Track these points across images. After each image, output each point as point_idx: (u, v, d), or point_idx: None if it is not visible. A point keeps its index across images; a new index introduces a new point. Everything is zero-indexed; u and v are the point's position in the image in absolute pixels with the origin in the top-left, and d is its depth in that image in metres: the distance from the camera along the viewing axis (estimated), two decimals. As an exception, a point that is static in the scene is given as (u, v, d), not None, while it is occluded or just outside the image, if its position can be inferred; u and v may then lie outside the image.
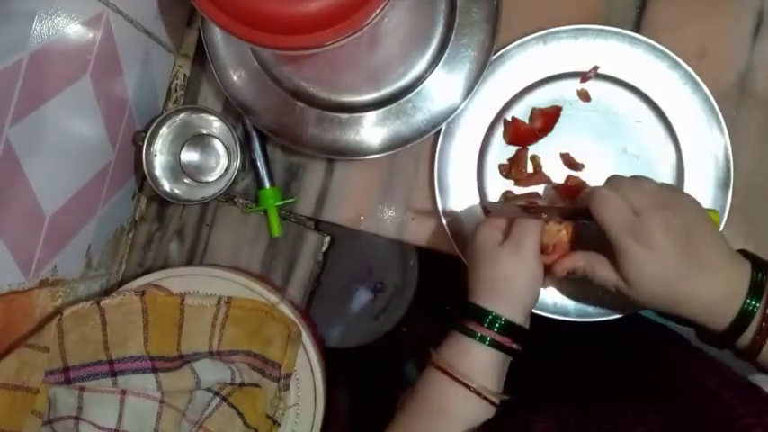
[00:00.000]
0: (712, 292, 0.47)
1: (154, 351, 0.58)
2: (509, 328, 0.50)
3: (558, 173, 0.64)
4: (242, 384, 0.61)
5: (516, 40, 0.63)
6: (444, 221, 0.64)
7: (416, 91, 0.62)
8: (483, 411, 0.49)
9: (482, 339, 0.50)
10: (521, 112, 0.65)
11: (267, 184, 0.68)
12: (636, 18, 0.65)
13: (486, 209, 0.57)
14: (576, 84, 0.64)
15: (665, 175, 0.63)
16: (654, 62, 0.62)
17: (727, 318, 0.47)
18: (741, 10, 0.65)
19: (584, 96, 0.64)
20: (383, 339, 0.75)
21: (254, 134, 0.68)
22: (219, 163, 0.70)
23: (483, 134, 0.65)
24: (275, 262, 0.70)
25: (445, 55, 0.62)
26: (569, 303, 0.63)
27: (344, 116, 0.63)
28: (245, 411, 0.60)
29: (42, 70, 0.46)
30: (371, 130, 0.63)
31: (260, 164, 0.68)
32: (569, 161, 0.64)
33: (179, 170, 0.69)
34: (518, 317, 0.51)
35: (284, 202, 0.68)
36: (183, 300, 0.60)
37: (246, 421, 0.60)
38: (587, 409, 0.46)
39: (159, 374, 0.58)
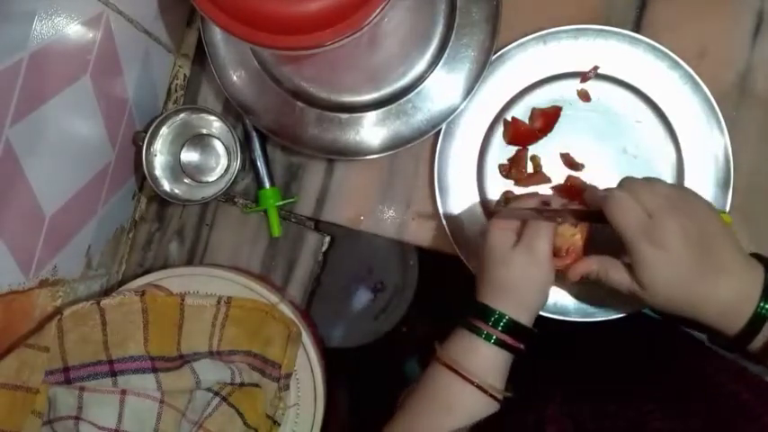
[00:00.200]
0: (726, 296, 0.47)
1: (154, 351, 0.58)
2: (514, 328, 0.51)
3: (558, 173, 0.64)
4: (242, 384, 0.61)
5: (516, 40, 0.63)
6: (444, 221, 0.64)
7: (416, 91, 0.62)
8: (486, 407, 0.49)
9: (487, 337, 0.50)
10: (521, 112, 0.65)
11: (267, 184, 0.68)
12: (636, 18, 0.65)
13: (497, 212, 0.57)
14: (575, 84, 0.64)
15: (665, 175, 0.63)
16: (654, 62, 0.62)
17: (740, 321, 0.46)
18: (741, 10, 0.65)
19: (584, 96, 0.64)
20: (383, 339, 0.75)
21: (254, 134, 0.68)
22: (219, 163, 0.70)
23: (483, 134, 0.65)
24: (275, 262, 0.70)
25: (445, 55, 0.62)
26: (569, 303, 0.63)
27: (344, 116, 0.63)
28: (245, 411, 0.60)
29: (42, 70, 0.46)
30: (371, 130, 0.63)
31: (260, 164, 0.68)
32: (569, 161, 0.64)
33: (179, 170, 0.69)
34: (524, 317, 0.51)
35: (284, 202, 0.68)
36: (183, 300, 0.60)
37: (246, 421, 0.60)
38: (602, 406, 0.46)
39: (159, 374, 0.58)
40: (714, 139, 0.62)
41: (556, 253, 0.53)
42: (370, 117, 0.63)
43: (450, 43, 0.62)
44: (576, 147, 0.64)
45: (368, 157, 0.63)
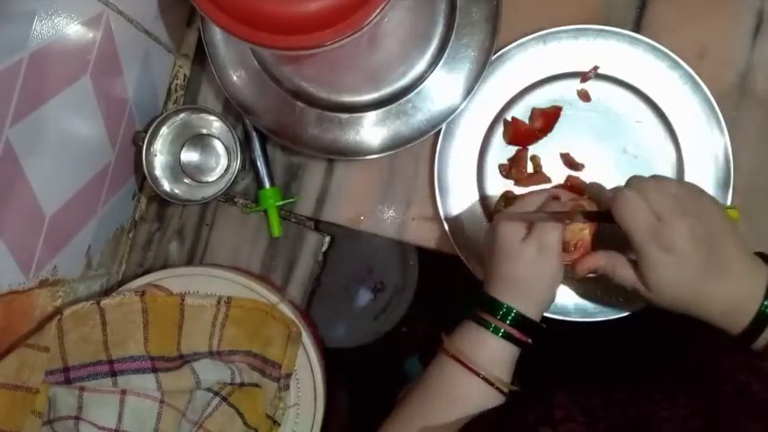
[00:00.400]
0: (731, 297, 0.47)
1: (154, 351, 0.58)
2: (522, 322, 0.51)
3: (558, 173, 0.64)
4: (242, 384, 0.61)
5: (516, 40, 0.63)
6: (444, 221, 0.64)
7: (416, 91, 0.62)
8: (492, 400, 0.50)
9: (495, 330, 0.50)
10: (521, 112, 0.65)
11: (267, 184, 0.68)
12: (636, 18, 0.65)
13: (497, 212, 0.57)
14: (575, 84, 0.64)
15: (666, 175, 0.63)
16: (654, 62, 0.62)
17: (744, 320, 0.47)
18: (741, 10, 0.65)
19: (584, 96, 0.64)
20: (383, 339, 0.75)
21: (254, 134, 0.68)
22: (219, 163, 0.70)
23: (483, 134, 0.65)
24: (275, 262, 0.70)
25: (445, 55, 0.62)
26: (569, 303, 0.63)
27: (344, 116, 0.63)
28: (245, 411, 0.60)
29: (42, 70, 0.46)
30: (371, 130, 0.63)
31: (260, 164, 0.68)
32: (569, 161, 0.64)
33: (179, 170, 0.69)
34: (532, 312, 0.51)
35: (284, 202, 0.68)
36: (183, 300, 0.60)
37: (246, 421, 0.60)
38: (611, 396, 0.46)
39: (159, 374, 0.58)
40: (714, 139, 0.62)
41: (564, 248, 0.53)
42: (370, 117, 0.63)
43: (450, 43, 0.62)
44: (576, 147, 0.64)
45: (368, 157, 0.63)
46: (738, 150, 0.62)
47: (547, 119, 0.64)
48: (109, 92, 0.58)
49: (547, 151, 0.64)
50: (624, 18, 0.65)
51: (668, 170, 0.63)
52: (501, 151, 0.65)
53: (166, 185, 0.67)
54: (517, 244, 0.52)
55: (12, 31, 0.42)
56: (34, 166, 0.49)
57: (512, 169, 0.64)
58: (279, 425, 0.62)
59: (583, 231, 0.53)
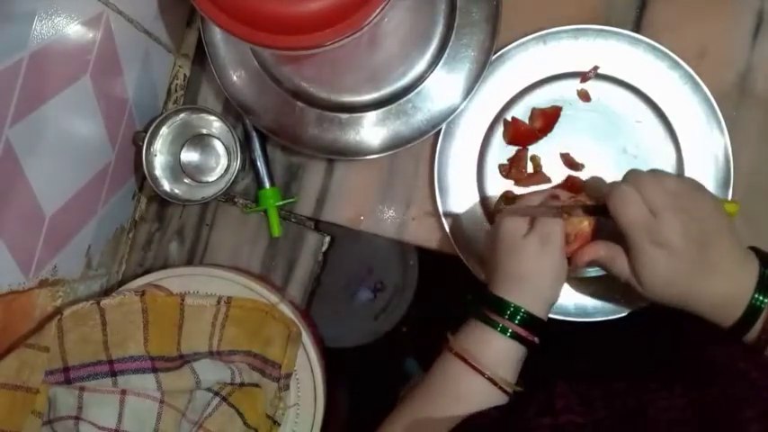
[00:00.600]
0: (721, 292, 0.48)
1: (154, 351, 0.58)
2: (530, 321, 0.51)
3: (558, 173, 0.64)
4: (242, 384, 0.61)
5: (516, 40, 0.63)
6: (444, 222, 0.64)
7: (416, 91, 0.62)
8: (495, 399, 0.49)
9: (503, 330, 0.50)
10: (521, 112, 0.65)
11: (267, 184, 0.68)
12: (636, 18, 0.65)
13: (498, 211, 0.57)
14: (575, 84, 0.64)
15: (664, 170, 0.63)
16: (654, 62, 0.62)
17: (735, 314, 0.47)
18: (741, 10, 0.65)
19: (584, 96, 0.64)
20: (383, 339, 0.75)
21: (254, 134, 0.68)
22: (219, 163, 0.70)
23: (483, 134, 0.65)
24: (275, 262, 0.70)
25: (445, 55, 0.62)
26: (569, 303, 0.63)
27: (344, 116, 0.63)
28: (245, 411, 0.60)
29: (42, 70, 0.46)
30: (371, 130, 0.63)
31: (260, 164, 0.68)
32: (569, 161, 0.64)
33: (179, 170, 0.69)
34: (539, 310, 0.51)
35: (284, 202, 0.68)
36: (183, 300, 0.60)
37: (246, 421, 0.60)
38: (610, 386, 0.46)
39: (159, 374, 0.58)
40: (714, 139, 0.62)
41: (565, 240, 0.53)
42: (370, 117, 0.63)
43: (450, 43, 0.62)
44: (576, 147, 0.64)
45: (368, 157, 0.63)
46: (738, 150, 0.62)
47: (547, 119, 0.64)
48: (109, 92, 0.58)
49: (547, 151, 0.64)
50: (624, 18, 0.65)
51: (668, 170, 0.63)
52: (501, 151, 0.65)
53: (166, 185, 0.67)
54: (520, 239, 0.52)
55: (12, 31, 0.42)
56: (34, 166, 0.49)
57: (512, 169, 0.64)
58: (279, 425, 0.62)
59: (582, 224, 0.53)
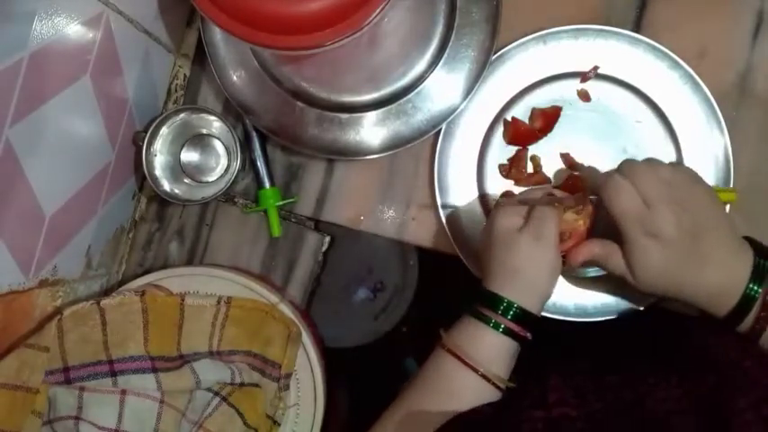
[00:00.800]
0: (716, 282, 0.48)
1: (154, 351, 0.58)
2: (523, 317, 0.50)
3: (558, 173, 0.64)
4: (242, 384, 0.61)
5: (516, 40, 0.63)
6: (444, 221, 0.64)
7: (416, 91, 0.62)
8: (489, 396, 0.49)
9: (496, 326, 0.50)
10: (521, 112, 0.65)
11: (267, 184, 0.68)
12: (636, 18, 0.65)
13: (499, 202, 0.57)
14: (575, 84, 0.64)
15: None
16: (654, 62, 0.62)
17: (729, 303, 0.48)
18: (741, 10, 0.65)
19: (584, 96, 0.64)
20: (383, 339, 0.75)
21: (254, 134, 0.68)
22: (219, 163, 0.70)
23: (483, 134, 0.65)
24: (275, 262, 0.70)
25: (445, 55, 0.62)
26: (569, 303, 0.63)
27: (344, 116, 0.63)
28: (245, 411, 0.60)
29: (42, 70, 0.46)
30: (371, 130, 0.63)
31: (260, 164, 0.68)
32: (569, 161, 0.64)
33: (179, 170, 0.69)
34: (533, 306, 0.51)
35: (284, 202, 0.68)
36: (183, 300, 0.60)
37: (246, 421, 0.60)
38: (604, 379, 0.46)
39: (159, 374, 0.58)
40: (714, 139, 0.62)
41: (559, 238, 0.53)
42: (370, 117, 0.63)
43: (450, 43, 0.62)
44: (576, 147, 0.64)
45: (368, 157, 0.64)
46: (738, 150, 0.62)
47: (547, 119, 0.64)
48: (109, 92, 0.58)
49: (547, 151, 0.64)
50: (624, 18, 0.65)
51: (668, 170, 0.63)
52: (501, 151, 0.65)
53: (166, 185, 0.67)
54: (514, 233, 0.52)
55: (12, 31, 0.42)
56: (34, 166, 0.49)
57: (512, 169, 0.64)
58: (279, 425, 0.62)
59: (577, 222, 0.53)
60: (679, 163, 0.62)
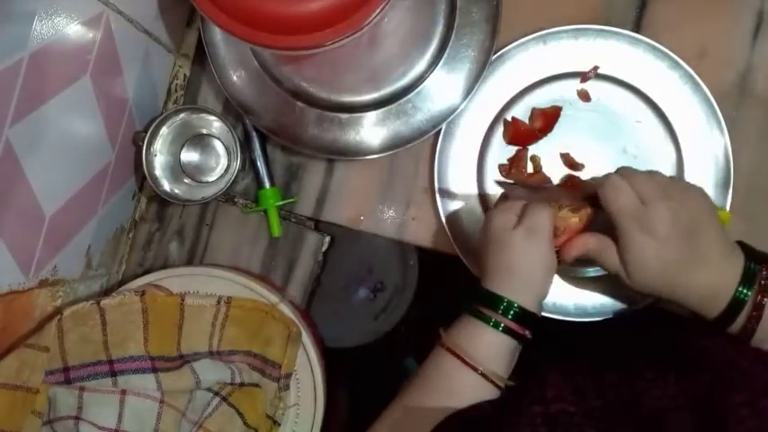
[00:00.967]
0: (707, 283, 0.48)
1: (154, 351, 0.58)
2: (522, 316, 0.51)
3: (557, 173, 0.64)
4: (242, 384, 0.61)
5: (516, 40, 0.63)
6: (444, 221, 0.64)
7: (416, 91, 0.62)
8: (488, 394, 0.50)
9: (495, 325, 0.50)
10: (521, 112, 0.65)
11: (267, 184, 0.68)
12: (636, 18, 0.65)
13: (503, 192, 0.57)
14: (575, 84, 0.64)
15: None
16: (654, 62, 0.62)
17: (719, 305, 0.48)
18: (741, 10, 0.65)
19: (584, 96, 0.64)
20: (383, 339, 0.75)
21: (254, 134, 0.68)
22: (219, 163, 0.70)
23: (483, 134, 0.65)
24: (275, 262, 0.70)
25: (445, 55, 0.62)
26: (569, 303, 0.63)
27: (344, 116, 0.63)
28: (245, 411, 0.60)
29: (42, 70, 0.46)
30: (371, 130, 0.63)
31: (260, 164, 0.68)
32: (569, 161, 0.64)
33: (179, 170, 0.69)
34: (531, 303, 0.51)
35: (284, 202, 0.68)
36: (183, 300, 0.60)
37: (246, 421, 0.60)
38: (603, 378, 0.46)
39: (159, 374, 0.58)
40: (714, 139, 0.62)
41: (554, 233, 0.53)
42: (370, 117, 0.63)
43: (450, 43, 0.62)
44: (576, 147, 0.64)
45: (368, 157, 0.64)
46: (738, 150, 0.62)
47: (547, 119, 0.64)
48: (109, 92, 0.58)
49: (547, 151, 0.64)
50: (624, 18, 0.65)
51: (668, 170, 0.63)
52: (501, 151, 0.65)
53: (166, 185, 0.67)
54: (508, 232, 0.52)
55: (12, 31, 0.42)
56: (34, 166, 0.49)
57: (512, 169, 0.64)
58: (279, 425, 0.62)
59: (572, 218, 0.53)
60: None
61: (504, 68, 0.64)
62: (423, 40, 0.62)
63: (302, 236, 0.70)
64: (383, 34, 0.61)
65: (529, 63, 0.64)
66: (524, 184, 0.55)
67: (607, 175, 0.51)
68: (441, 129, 0.63)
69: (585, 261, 0.54)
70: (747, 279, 0.48)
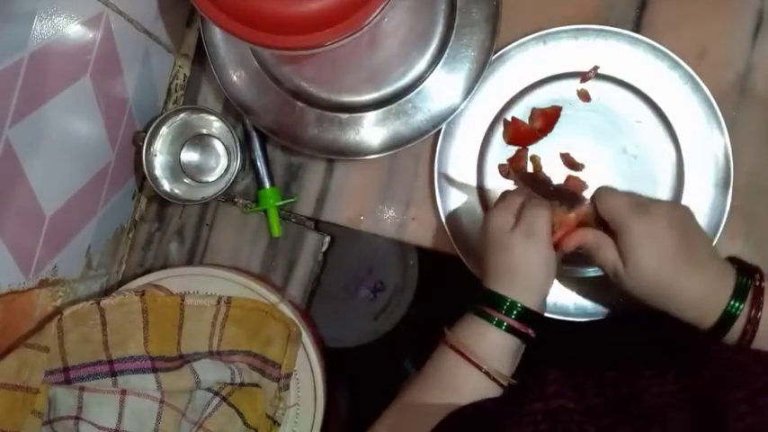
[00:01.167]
0: (699, 289, 0.48)
1: (154, 351, 0.58)
2: (525, 315, 0.51)
3: (558, 173, 0.64)
4: (242, 384, 0.61)
5: (516, 40, 0.63)
6: (444, 221, 0.64)
7: (416, 91, 0.62)
8: (491, 392, 0.50)
9: (498, 324, 0.50)
10: (521, 112, 0.65)
11: (267, 184, 0.68)
12: (636, 18, 0.65)
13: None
14: (576, 84, 0.64)
15: (665, 175, 0.63)
16: (654, 62, 0.62)
17: (712, 316, 0.48)
18: (741, 10, 0.65)
19: (584, 96, 0.64)
20: (383, 339, 0.75)
21: (254, 134, 0.68)
22: (219, 163, 0.70)
23: (483, 134, 0.65)
24: (275, 262, 0.70)
25: (445, 55, 0.62)
26: (569, 303, 0.63)
27: (344, 116, 0.63)
28: (245, 411, 0.60)
29: (42, 70, 0.46)
30: (371, 130, 0.63)
31: (260, 164, 0.68)
32: (569, 161, 0.64)
33: (179, 170, 0.69)
34: (534, 302, 0.51)
35: (284, 202, 0.68)
36: (183, 300, 0.60)
37: (246, 421, 0.60)
38: (602, 376, 0.46)
39: (159, 374, 0.58)
40: (714, 139, 0.62)
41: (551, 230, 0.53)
42: (370, 117, 0.63)
43: (450, 43, 0.62)
44: (576, 147, 0.64)
45: (368, 157, 0.64)
46: (738, 150, 0.62)
47: (547, 119, 0.64)
48: (109, 92, 0.58)
49: (547, 151, 0.64)
50: (624, 18, 0.65)
51: (668, 170, 0.63)
52: (501, 151, 0.65)
53: (166, 185, 0.67)
54: (506, 233, 0.52)
55: (12, 31, 0.42)
56: (34, 166, 0.49)
57: (511, 169, 0.64)
58: (279, 425, 0.62)
59: (568, 214, 0.53)
60: None
61: (504, 68, 0.64)
62: (423, 40, 0.62)
63: (302, 236, 0.70)
64: (383, 34, 0.61)
65: (529, 63, 0.64)
66: (534, 181, 0.55)
67: (599, 188, 0.52)
68: (441, 129, 0.63)
69: (585, 261, 0.54)
70: (739, 293, 0.47)
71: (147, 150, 0.64)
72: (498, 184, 0.65)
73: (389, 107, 0.63)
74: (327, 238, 0.71)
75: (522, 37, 0.63)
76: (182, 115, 0.67)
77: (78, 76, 0.52)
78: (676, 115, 0.63)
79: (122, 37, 0.57)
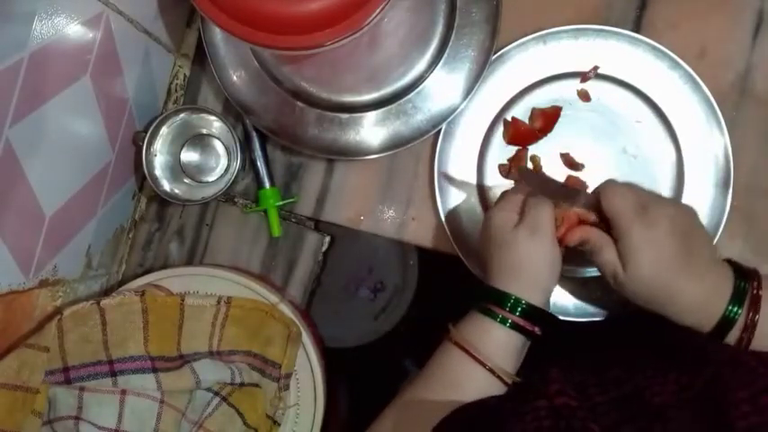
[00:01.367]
0: (698, 293, 0.48)
1: (154, 351, 0.58)
2: (530, 312, 0.51)
3: (558, 173, 0.64)
4: (242, 384, 0.61)
5: (516, 40, 0.63)
6: (444, 221, 0.64)
7: (416, 91, 0.62)
8: (495, 389, 0.50)
9: (503, 321, 0.50)
10: (521, 112, 0.65)
11: (267, 184, 0.68)
12: (636, 18, 0.65)
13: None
14: (576, 84, 0.64)
15: (665, 175, 0.63)
16: (654, 62, 0.62)
17: (710, 321, 0.48)
18: (741, 10, 0.65)
19: (584, 96, 0.64)
20: (383, 339, 0.75)
21: (254, 134, 0.68)
22: (219, 163, 0.70)
23: (483, 134, 0.65)
24: (275, 262, 0.70)
25: (445, 55, 0.62)
26: (569, 303, 0.63)
27: (344, 116, 0.63)
28: (245, 411, 0.60)
29: (42, 70, 0.46)
30: (371, 130, 0.63)
31: (260, 164, 0.68)
32: (569, 161, 0.64)
33: (179, 170, 0.69)
34: (538, 299, 0.51)
35: (284, 202, 0.68)
36: (183, 300, 0.60)
37: (246, 421, 0.60)
38: (605, 375, 0.47)
39: (159, 374, 0.58)
40: (714, 139, 0.62)
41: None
42: (370, 117, 0.63)
43: (450, 43, 0.62)
44: (576, 147, 0.64)
45: (368, 157, 0.64)
46: (738, 150, 0.62)
47: (547, 119, 0.64)
48: (109, 92, 0.58)
49: (547, 151, 0.64)
50: (624, 18, 0.65)
51: (668, 170, 0.63)
52: (501, 151, 0.65)
53: (166, 185, 0.67)
54: (510, 231, 0.52)
55: (12, 31, 0.42)
56: (34, 166, 0.49)
57: (512, 169, 0.64)
58: (279, 425, 0.62)
59: (570, 210, 0.53)
60: None
61: (504, 68, 0.64)
62: (423, 40, 0.62)
63: (302, 236, 0.70)
64: (383, 34, 0.61)
65: (529, 63, 0.64)
66: (536, 178, 0.55)
67: (605, 181, 0.51)
68: (441, 129, 0.63)
69: (585, 261, 0.54)
70: (737, 297, 0.47)
71: (147, 150, 0.64)
72: (498, 184, 0.65)
73: (389, 107, 0.63)
74: (327, 238, 0.71)
75: (522, 37, 0.63)
76: (182, 115, 0.67)
77: (78, 76, 0.52)
78: (676, 115, 0.63)
79: (122, 37, 0.57)
